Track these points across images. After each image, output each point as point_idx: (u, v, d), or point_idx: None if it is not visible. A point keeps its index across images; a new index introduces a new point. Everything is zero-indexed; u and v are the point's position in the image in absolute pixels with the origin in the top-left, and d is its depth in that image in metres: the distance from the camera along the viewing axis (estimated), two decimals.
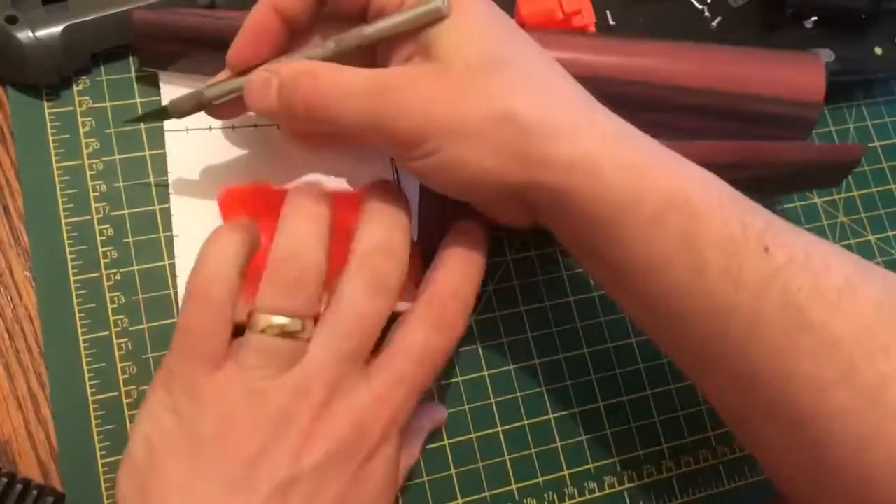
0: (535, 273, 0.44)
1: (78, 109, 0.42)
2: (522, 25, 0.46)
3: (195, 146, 0.41)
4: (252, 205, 0.38)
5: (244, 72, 0.34)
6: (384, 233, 0.32)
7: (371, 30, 0.31)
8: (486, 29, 0.30)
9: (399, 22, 0.31)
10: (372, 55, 0.34)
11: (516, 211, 0.34)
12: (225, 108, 0.35)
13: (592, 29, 0.48)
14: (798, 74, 0.44)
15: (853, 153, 0.44)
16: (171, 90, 0.41)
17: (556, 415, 0.42)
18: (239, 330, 0.31)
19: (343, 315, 0.30)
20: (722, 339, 0.30)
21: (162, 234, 0.41)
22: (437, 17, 0.30)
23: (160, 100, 0.42)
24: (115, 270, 0.40)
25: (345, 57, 0.32)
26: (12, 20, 0.39)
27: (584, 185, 0.30)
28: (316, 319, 0.31)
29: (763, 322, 0.29)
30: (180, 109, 0.35)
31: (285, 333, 0.30)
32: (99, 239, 0.40)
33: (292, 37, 0.34)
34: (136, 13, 0.39)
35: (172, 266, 0.40)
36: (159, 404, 0.30)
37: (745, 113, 0.43)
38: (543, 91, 0.30)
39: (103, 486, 0.37)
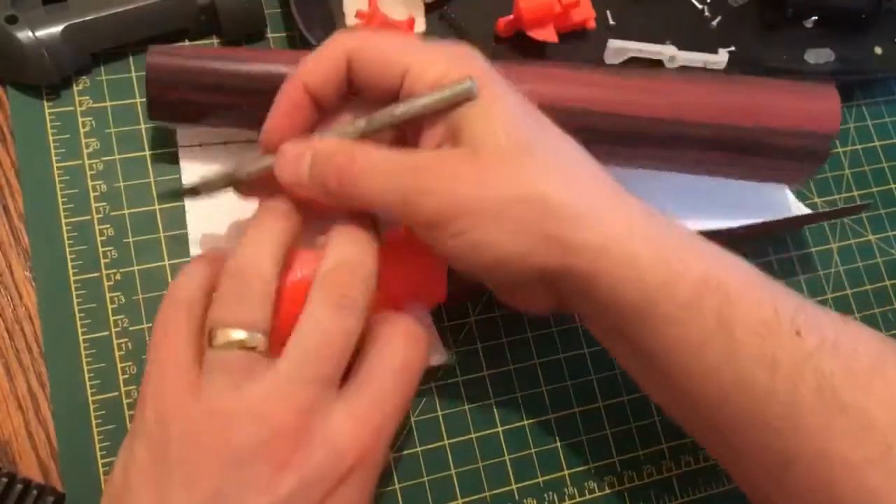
0: None
1: (78, 109, 0.42)
2: (520, 19, 0.46)
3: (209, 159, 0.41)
4: None
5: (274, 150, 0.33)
6: (348, 252, 0.31)
7: (401, 110, 0.31)
8: (515, 114, 0.31)
9: (428, 103, 0.31)
10: (402, 133, 0.34)
11: (541, 296, 0.33)
12: (256, 187, 0.35)
13: (592, 24, 0.49)
14: (814, 105, 0.43)
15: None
16: (189, 157, 0.41)
17: (555, 415, 0.42)
18: None
19: (309, 336, 0.29)
20: (759, 422, 0.30)
21: (162, 234, 0.41)
22: (465, 98, 0.30)
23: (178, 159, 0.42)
24: (115, 270, 0.40)
25: (375, 135, 0.32)
26: (12, 20, 0.39)
27: (615, 270, 0.30)
28: (280, 342, 0.30)
29: (799, 405, 0.29)
30: (211, 188, 0.35)
31: (243, 347, 0.29)
32: (99, 239, 0.40)
33: (322, 114, 0.34)
34: (150, 57, 0.37)
35: (172, 266, 0.40)
36: (135, 430, 0.29)
37: (757, 146, 0.42)
38: (572, 175, 0.31)
39: (103, 486, 0.37)
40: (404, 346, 0.31)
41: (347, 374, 0.31)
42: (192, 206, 0.41)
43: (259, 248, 0.31)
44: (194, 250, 0.40)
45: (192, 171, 0.41)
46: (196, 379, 0.29)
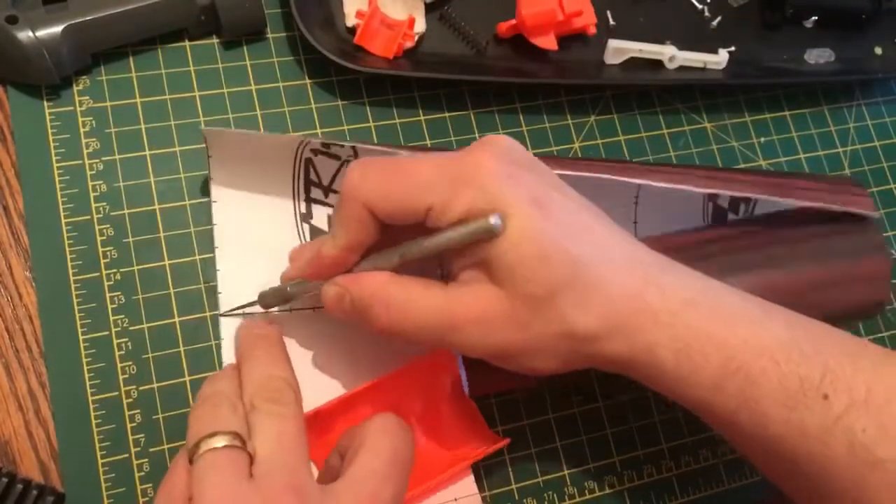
0: None
1: (78, 109, 0.42)
2: (522, 25, 0.46)
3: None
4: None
5: None
6: (261, 369, 0.34)
7: (429, 244, 0.32)
8: (545, 250, 0.31)
9: (453, 238, 0.32)
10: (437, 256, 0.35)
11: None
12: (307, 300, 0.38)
13: (593, 30, 0.49)
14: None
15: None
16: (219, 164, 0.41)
17: (555, 415, 0.42)
18: None
19: (269, 433, 0.31)
20: (794, 480, 0.33)
21: (162, 234, 0.41)
22: (490, 235, 0.31)
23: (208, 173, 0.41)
24: (115, 270, 0.40)
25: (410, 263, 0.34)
26: (12, 20, 0.39)
27: (644, 367, 0.33)
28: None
29: (831, 463, 0.31)
30: (266, 302, 0.38)
31: (227, 447, 0.29)
32: (99, 239, 0.40)
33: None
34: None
35: (172, 266, 0.40)
36: None
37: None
38: (601, 292, 0.32)
39: (103, 486, 0.37)
40: (391, 439, 0.32)
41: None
42: (218, 207, 0.41)
43: (221, 376, 0.34)
44: (219, 253, 0.40)
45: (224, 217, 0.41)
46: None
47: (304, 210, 0.41)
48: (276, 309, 0.40)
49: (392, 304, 0.33)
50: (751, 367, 0.32)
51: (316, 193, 0.41)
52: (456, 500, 0.38)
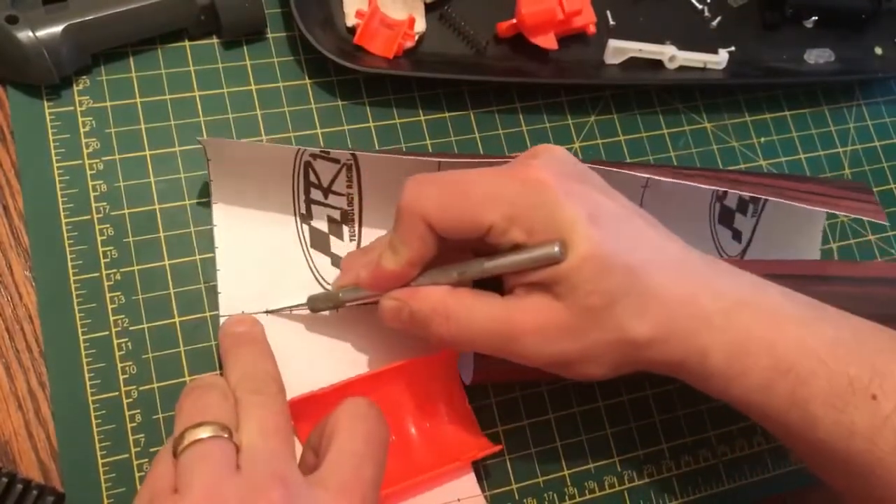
0: None
1: (78, 109, 0.42)
2: (522, 25, 0.46)
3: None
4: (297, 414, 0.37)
5: None
6: (244, 364, 0.35)
7: (491, 265, 0.33)
8: (604, 267, 0.32)
9: (517, 262, 0.33)
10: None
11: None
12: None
13: (593, 29, 0.49)
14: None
15: None
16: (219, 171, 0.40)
17: (555, 415, 0.42)
18: None
19: (254, 423, 0.31)
20: (844, 480, 0.34)
21: (162, 234, 0.41)
22: (553, 262, 0.32)
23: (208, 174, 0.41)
24: (115, 270, 0.40)
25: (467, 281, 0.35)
26: (12, 20, 0.39)
27: (695, 369, 0.33)
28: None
29: (879, 463, 0.32)
30: (316, 306, 0.39)
31: (212, 438, 0.29)
32: (99, 239, 0.40)
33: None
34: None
35: (172, 266, 0.40)
36: None
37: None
38: (657, 300, 0.33)
39: (103, 486, 0.37)
40: (363, 421, 0.32)
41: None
42: (219, 215, 0.41)
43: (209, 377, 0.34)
44: (219, 253, 0.40)
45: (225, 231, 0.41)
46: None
47: (303, 211, 0.41)
48: (286, 308, 0.40)
49: (451, 317, 0.34)
50: (801, 367, 0.32)
51: (316, 195, 0.41)
52: (458, 500, 0.38)
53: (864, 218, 0.43)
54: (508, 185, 0.33)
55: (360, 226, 0.42)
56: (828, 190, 0.45)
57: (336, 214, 0.41)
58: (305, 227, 0.41)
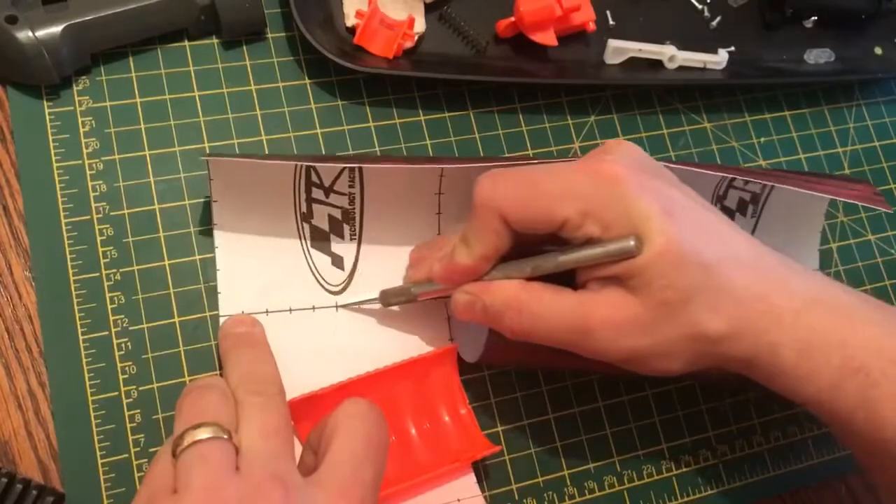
0: None
1: (78, 109, 0.42)
2: (521, 22, 0.46)
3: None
4: (298, 414, 0.37)
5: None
6: (244, 364, 0.35)
7: (565, 259, 0.34)
8: (680, 262, 0.32)
9: (592, 256, 0.33)
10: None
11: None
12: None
13: (593, 27, 0.49)
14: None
15: None
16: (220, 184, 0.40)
17: (556, 415, 0.42)
18: None
19: (253, 424, 0.31)
20: None
21: (162, 234, 0.41)
22: (628, 256, 0.32)
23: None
24: (115, 270, 0.40)
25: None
26: (12, 20, 0.39)
27: (764, 366, 0.33)
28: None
29: None
30: (389, 301, 0.40)
31: (212, 439, 0.29)
32: (99, 239, 0.40)
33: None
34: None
35: (172, 266, 0.40)
36: None
37: None
38: (729, 296, 0.33)
39: (103, 486, 0.37)
40: (363, 422, 0.32)
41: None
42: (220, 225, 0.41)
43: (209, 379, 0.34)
44: (219, 253, 0.40)
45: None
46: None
47: (304, 210, 0.41)
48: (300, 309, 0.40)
49: (524, 311, 0.34)
50: (871, 367, 0.32)
51: (317, 194, 0.41)
52: (458, 500, 0.38)
53: (870, 206, 0.43)
54: (583, 180, 0.33)
55: (361, 225, 0.42)
56: (830, 181, 0.45)
57: (337, 213, 0.41)
58: (306, 225, 0.41)
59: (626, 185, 0.32)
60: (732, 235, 0.34)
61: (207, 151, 0.42)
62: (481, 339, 0.38)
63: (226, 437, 0.29)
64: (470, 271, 0.35)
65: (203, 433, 0.29)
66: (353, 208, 0.42)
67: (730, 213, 0.46)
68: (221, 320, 0.39)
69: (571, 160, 0.35)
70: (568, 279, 0.35)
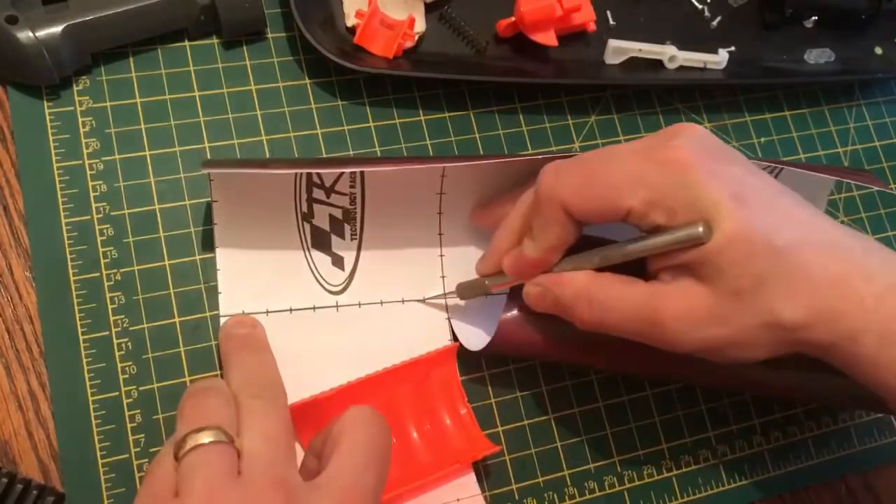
0: None
1: (78, 109, 0.42)
2: (521, 22, 0.46)
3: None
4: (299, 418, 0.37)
5: None
6: (245, 367, 0.35)
7: (633, 248, 0.33)
8: (752, 249, 0.31)
9: (660, 244, 0.32)
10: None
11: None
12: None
13: (593, 27, 0.49)
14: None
15: None
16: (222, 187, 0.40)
17: (555, 415, 0.42)
18: None
19: (255, 428, 0.31)
20: None
21: (162, 234, 0.41)
22: (697, 242, 0.31)
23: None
24: (115, 270, 0.40)
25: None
26: (12, 20, 0.39)
27: (844, 353, 0.32)
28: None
29: None
30: (465, 294, 0.41)
31: (214, 443, 0.29)
32: (99, 239, 0.40)
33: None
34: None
35: (173, 266, 0.40)
36: None
37: None
38: (803, 280, 0.31)
39: (103, 486, 0.37)
40: (367, 429, 0.32)
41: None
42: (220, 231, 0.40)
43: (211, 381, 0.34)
44: (220, 252, 0.40)
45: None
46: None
47: (305, 209, 0.41)
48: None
49: (594, 303, 0.34)
50: None
51: (318, 194, 0.41)
52: (458, 500, 0.39)
53: (877, 187, 0.44)
54: (648, 168, 0.32)
55: (361, 224, 0.42)
56: (832, 170, 0.45)
57: (338, 213, 0.42)
58: (307, 225, 0.41)
59: (694, 172, 0.31)
60: (809, 218, 0.33)
61: (207, 151, 0.42)
62: (489, 329, 0.38)
63: (227, 441, 0.29)
64: (538, 264, 0.35)
65: (206, 437, 0.29)
66: (354, 208, 0.42)
67: None
68: (222, 320, 0.39)
69: (635, 142, 0.34)
70: (639, 269, 0.34)
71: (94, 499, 0.37)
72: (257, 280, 0.40)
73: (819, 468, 0.45)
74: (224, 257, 0.40)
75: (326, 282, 0.41)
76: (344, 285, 0.42)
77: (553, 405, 0.43)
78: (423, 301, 0.41)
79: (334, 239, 0.42)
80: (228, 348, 0.37)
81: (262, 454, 0.30)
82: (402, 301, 0.42)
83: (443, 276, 0.43)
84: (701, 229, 0.31)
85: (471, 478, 0.39)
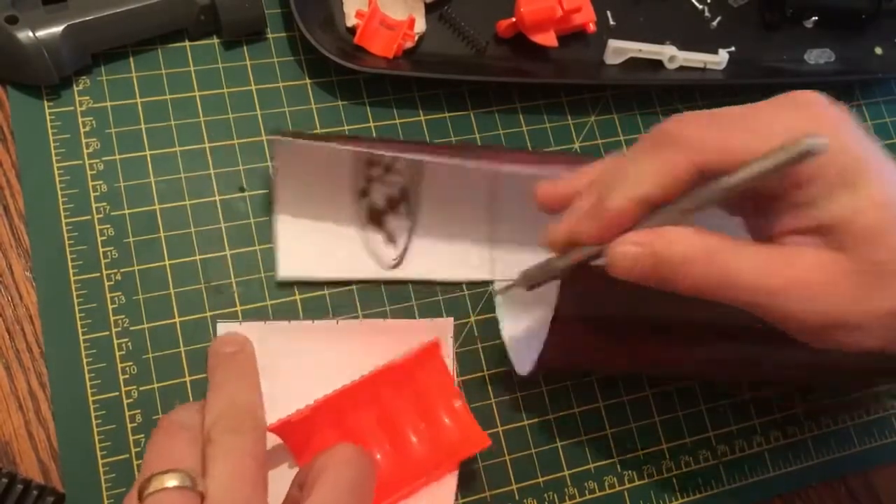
0: None
1: (78, 109, 0.42)
2: (521, 23, 0.46)
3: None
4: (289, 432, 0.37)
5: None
6: (224, 396, 0.34)
7: (734, 179, 0.28)
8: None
9: (768, 165, 0.27)
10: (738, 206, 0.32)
11: None
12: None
13: (593, 28, 0.49)
14: None
15: None
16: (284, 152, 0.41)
17: (555, 415, 0.42)
18: None
19: (222, 469, 0.30)
20: None
21: (162, 234, 0.41)
22: (808, 155, 0.27)
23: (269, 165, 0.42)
24: (115, 270, 0.40)
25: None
26: (12, 20, 0.39)
27: None
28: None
29: None
30: (532, 281, 0.36)
31: (177, 489, 0.29)
32: (99, 239, 0.40)
33: None
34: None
35: (173, 266, 0.40)
36: None
37: None
38: None
39: (103, 486, 0.37)
40: (350, 469, 0.31)
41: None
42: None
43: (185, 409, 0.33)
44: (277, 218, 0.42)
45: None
46: None
47: (362, 186, 0.43)
48: None
49: (716, 261, 0.29)
50: None
51: (375, 172, 0.43)
52: None
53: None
54: (800, 118, 0.28)
55: (416, 204, 0.43)
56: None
57: (395, 191, 0.43)
58: (363, 201, 0.43)
59: (842, 133, 0.28)
60: None
61: (207, 151, 0.43)
62: (534, 346, 0.37)
63: (191, 486, 0.29)
64: (621, 217, 0.30)
65: (169, 480, 0.29)
66: (410, 188, 0.43)
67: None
68: (280, 275, 0.40)
69: (770, 100, 0.30)
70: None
71: (94, 499, 0.37)
72: (313, 249, 0.41)
73: (819, 468, 0.45)
74: (283, 224, 0.41)
75: (379, 258, 0.42)
76: (396, 261, 0.43)
77: (553, 405, 0.43)
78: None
79: (389, 216, 0.43)
80: (212, 365, 0.36)
81: (226, 497, 0.29)
82: (439, 284, 0.43)
83: (492, 259, 0.44)
84: (815, 141, 0.26)
85: (452, 485, 0.39)
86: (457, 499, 0.39)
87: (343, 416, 0.38)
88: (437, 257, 0.43)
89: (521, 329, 0.43)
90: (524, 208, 0.41)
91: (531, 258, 0.36)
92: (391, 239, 0.43)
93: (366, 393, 0.38)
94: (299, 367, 0.39)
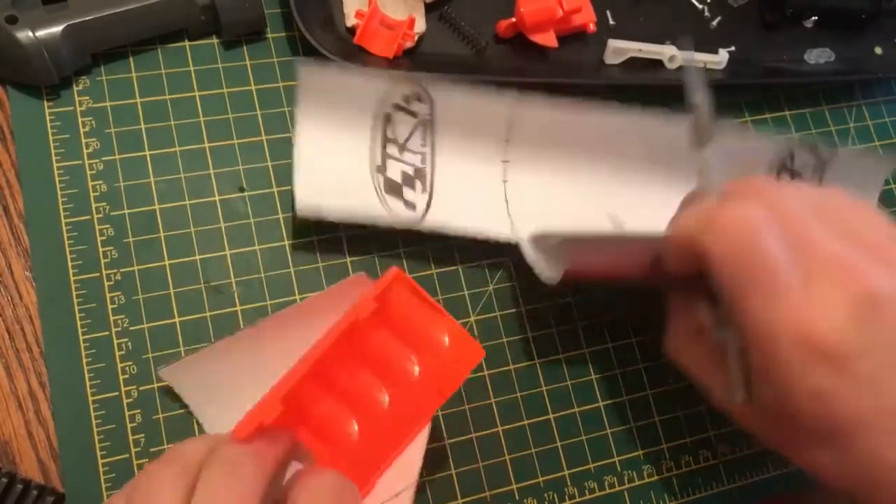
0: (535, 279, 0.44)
1: (78, 109, 0.42)
2: (521, 23, 0.46)
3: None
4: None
5: None
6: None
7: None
8: None
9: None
10: None
11: None
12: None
13: (593, 28, 0.49)
14: None
15: None
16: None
17: (555, 415, 0.42)
18: None
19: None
20: None
21: (162, 234, 0.41)
22: None
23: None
24: (115, 270, 0.40)
25: None
26: (12, 20, 0.39)
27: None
28: None
29: None
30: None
31: None
32: (99, 239, 0.40)
33: None
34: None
35: (173, 266, 0.40)
36: None
37: None
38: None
39: (103, 486, 0.37)
40: (332, 499, 0.29)
41: None
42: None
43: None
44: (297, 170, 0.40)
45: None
46: None
47: (379, 163, 0.43)
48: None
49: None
50: None
51: (391, 150, 0.43)
52: (397, 495, 0.36)
53: None
54: None
55: (432, 183, 0.43)
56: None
57: (410, 170, 0.43)
58: (380, 177, 0.42)
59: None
60: None
61: (207, 151, 0.43)
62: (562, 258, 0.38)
63: None
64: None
65: None
66: (425, 167, 0.43)
67: (797, 175, 0.47)
68: (298, 206, 0.39)
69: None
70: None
71: (94, 499, 0.37)
72: (332, 185, 0.41)
73: None
74: (303, 150, 0.40)
75: (385, 201, 0.42)
76: (423, 210, 0.43)
77: (553, 405, 0.43)
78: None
79: (406, 190, 0.43)
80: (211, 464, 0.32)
81: None
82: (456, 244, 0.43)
83: (509, 215, 0.44)
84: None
85: (417, 463, 0.36)
86: (457, 499, 0.39)
87: (332, 380, 0.35)
88: (457, 208, 0.43)
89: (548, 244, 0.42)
90: (539, 147, 0.43)
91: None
92: (410, 207, 0.43)
93: (343, 349, 0.34)
94: (255, 379, 0.35)
